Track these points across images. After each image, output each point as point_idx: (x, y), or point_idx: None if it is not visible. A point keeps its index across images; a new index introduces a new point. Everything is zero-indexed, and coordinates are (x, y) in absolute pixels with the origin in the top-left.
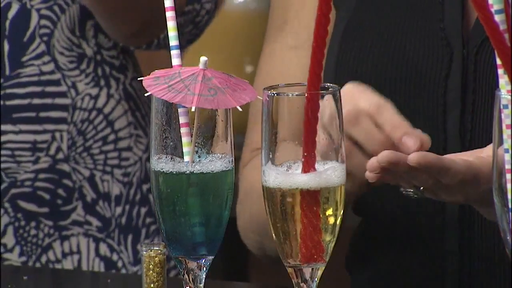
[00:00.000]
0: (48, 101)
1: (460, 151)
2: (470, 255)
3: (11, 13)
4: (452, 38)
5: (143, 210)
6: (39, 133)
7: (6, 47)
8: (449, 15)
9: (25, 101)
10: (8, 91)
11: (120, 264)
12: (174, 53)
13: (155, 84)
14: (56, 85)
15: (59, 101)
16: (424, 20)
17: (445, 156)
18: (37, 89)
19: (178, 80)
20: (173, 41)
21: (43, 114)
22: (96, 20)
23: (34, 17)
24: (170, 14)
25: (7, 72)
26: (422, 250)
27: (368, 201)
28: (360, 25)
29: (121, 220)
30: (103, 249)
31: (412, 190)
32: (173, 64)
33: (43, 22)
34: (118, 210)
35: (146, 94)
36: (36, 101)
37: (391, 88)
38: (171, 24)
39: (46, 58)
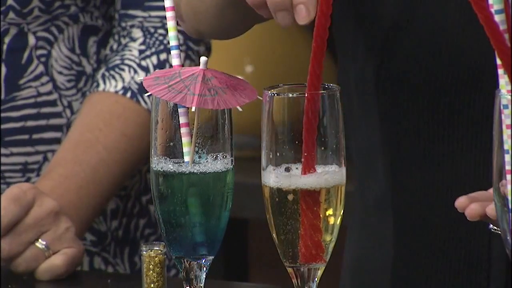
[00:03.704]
0: (42, 122)
1: None
2: None
3: (8, 38)
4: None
5: (142, 222)
6: (31, 155)
7: (3, 70)
8: None
9: (19, 124)
10: (2, 115)
11: None
12: (174, 53)
13: (155, 84)
14: (52, 105)
15: (53, 121)
16: None
17: None
18: (33, 111)
19: (178, 80)
20: (173, 41)
21: (36, 136)
22: (100, 37)
23: (31, 39)
24: (170, 14)
25: (2, 96)
26: (467, 256)
27: (409, 210)
28: (408, 23)
29: (118, 233)
30: (97, 262)
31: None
32: (173, 64)
33: (40, 43)
34: (115, 223)
35: (146, 94)
36: (30, 123)
37: (445, 89)
38: (171, 24)
39: (45, 79)
